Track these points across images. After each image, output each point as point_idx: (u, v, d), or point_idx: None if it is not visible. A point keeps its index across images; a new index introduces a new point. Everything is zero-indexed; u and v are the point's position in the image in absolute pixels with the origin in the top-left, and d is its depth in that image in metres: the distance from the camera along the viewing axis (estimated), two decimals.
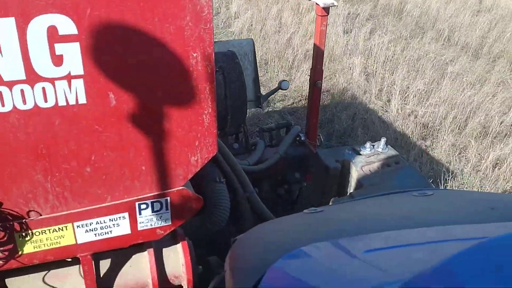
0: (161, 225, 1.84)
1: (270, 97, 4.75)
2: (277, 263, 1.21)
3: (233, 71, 3.37)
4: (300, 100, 5.99)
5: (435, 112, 5.75)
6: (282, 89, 4.14)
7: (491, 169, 4.84)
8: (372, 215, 1.56)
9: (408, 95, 6.10)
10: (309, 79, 3.92)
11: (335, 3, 3.57)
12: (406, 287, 0.83)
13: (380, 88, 6.26)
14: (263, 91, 4.73)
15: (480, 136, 5.37)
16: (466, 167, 4.94)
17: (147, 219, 1.81)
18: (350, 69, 6.69)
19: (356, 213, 1.62)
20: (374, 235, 1.24)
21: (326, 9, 3.56)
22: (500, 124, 5.57)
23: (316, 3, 3.56)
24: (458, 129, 5.52)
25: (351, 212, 1.65)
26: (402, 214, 1.54)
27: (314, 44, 3.74)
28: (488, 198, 1.75)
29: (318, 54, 3.75)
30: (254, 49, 4.10)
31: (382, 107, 5.94)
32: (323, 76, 3.86)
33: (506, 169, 4.79)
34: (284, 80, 4.10)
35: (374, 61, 6.92)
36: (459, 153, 5.20)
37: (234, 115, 3.38)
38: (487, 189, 4.53)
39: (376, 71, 6.72)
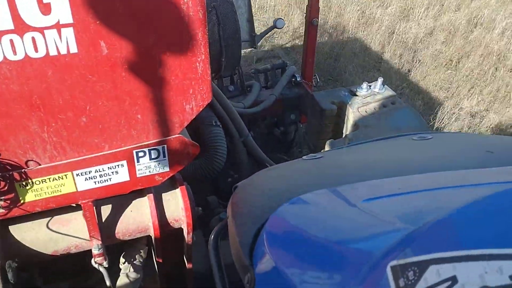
0: (160, 172, 1.87)
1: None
2: (278, 210, 1.24)
3: (226, 11, 3.29)
4: None
5: None
6: (277, 28, 4.06)
7: None
8: (371, 161, 1.59)
9: None
10: (305, 17, 3.84)
11: None
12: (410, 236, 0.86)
13: None
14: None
15: None
16: None
17: (145, 166, 1.84)
18: None
19: (355, 159, 1.65)
20: (373, 182, 1.27)
21: None
22: None
23: None
24: None
25: (350, 158, 1.68)
26: (402, 159, 1.57)
27: None
28: (485, 141, 1.77)
29: None
30: None
31: None
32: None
33: None
34: (279, 18, 4.01)
35: None
36: None
37: (228, 57, 3.34)
38: None
39: None
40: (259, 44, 4.44)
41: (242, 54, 3.69)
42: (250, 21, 4.02)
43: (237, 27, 3.37)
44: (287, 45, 6.18)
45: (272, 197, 1.40)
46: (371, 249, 0.98)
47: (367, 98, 3.11)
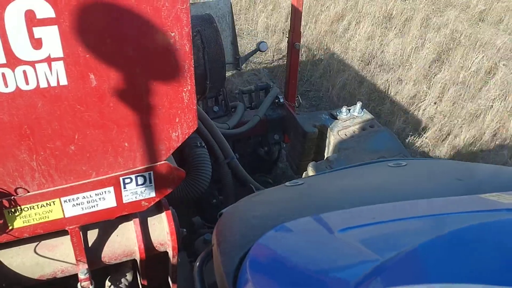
0: (146, 198, 1.92)
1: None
2: (261, 238, 1.30)
3: (211, 35, 3.37)
4: None
5: None
6: (260, 51, 4.15)
7: None
8: (350, 188, 1.67)
9: None
10: (287, 41, 3.94)
11: None
12: (375, 272, 0.93)
13: None
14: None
15: None
16: None
17: (132, 192, 1.88)
18: None
19: (335, 186, 1.73)
20: (351, 211, 1.35)
21: None
22: None
23: None
24: None
25: (331, 185, 1.75)
26: (378, 186, 1.65)
27: (292, 5, 3.74)
28: (457, 168, 1.86)
29: (296, 16, 3.76)
30: (232, 10, 4.08)
31: None
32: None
33: None
34: (262, 42, 4.11)
35: None
36: None
37: (213, 79, 3.41)
38: None
39: None
40: (243, 66, 4.53)
41: (226, 76, 3.77)
42: (234, 43, 4.12)
43: (222, 50, 3.45)
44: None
45: (256, 225, 1.46)
46: (348, 278, 1.05)
47: (347, 121, 3.21)
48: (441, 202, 1.37)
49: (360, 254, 1.09)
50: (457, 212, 1.23)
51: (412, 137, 5.06)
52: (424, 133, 5.11)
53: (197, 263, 1.51)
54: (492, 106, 5.46)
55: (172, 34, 1.64)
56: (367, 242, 1.16)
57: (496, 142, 5.04)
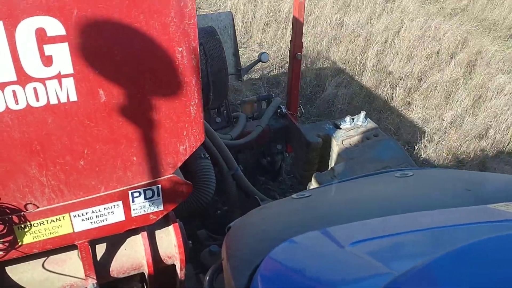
0: (154, 211, 1.93)
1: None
2: (271, 253, 1.31)
3: (213, 47, 3.39)
4: None
5: None
6: (262, 62, 4.18)
7: None
8: (357, 200, 1.68)
9: None
10: (289, 52, 3.97)
11: None
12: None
13: None
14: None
15: None
16: None
17: (140, 206, 1.89)
18: None
19: (342, 198, 1.74)
20: (360, 224, 1.36)
21: None
22: None
23: None
24: None
25: (337, 197, 1.76)
26: (385, 197, 1.66)
27: (293, 17, 3.77)
28: (464, 177, 1.87)
29: (297, 27, 3.79)
30: (233, 22, 4.11)
31: None
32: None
33: None
34: (263, 52, 4.14)
35: None
36: None
37: (216, 92, 3.43)
38: None
39: None
40: (244, 77, 4.55)
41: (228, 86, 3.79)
42: (236, 55, 4.14)
43: (224, 62, 3.47)
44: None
45: (265, 239, 1.46)
46: None
47: (351, 131, 3.22)
48: (451, 213, 1.38)
49: (372, 268, 1.10)
50: (467, 223, 1.24)
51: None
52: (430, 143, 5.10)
53: (207, 277, 1.51)
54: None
55: (180, 49, 1.67)
56: (378, 255, 1.17)
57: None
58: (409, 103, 5.74)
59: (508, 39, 7.49)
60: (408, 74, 6.19)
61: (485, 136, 5.16)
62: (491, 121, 5.33)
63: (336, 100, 5.66)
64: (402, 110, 5.61)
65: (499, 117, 5.37)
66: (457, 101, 5.64)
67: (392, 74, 6.18)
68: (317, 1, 7.80)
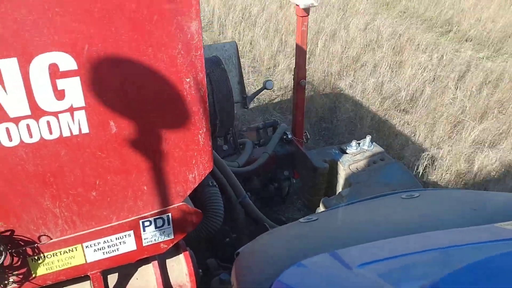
0: (164, 240, 1.95)
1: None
2: (280, 277, 1.33)
3: (219, 77, 3.46)
4: None
5: None
6: (266, 89, 4.24)
7: None
8: (364, 222, 1.69)
9: None
10: (293, 78, 4.03)
11: (315, 3, 3.66)
12: None
13: None
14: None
15: None
16: None
17: (151, 235, 1.91)
18: None
19: (349, 220, 1.76)
20: (367, 246, 1.37)
21: (306, 10, 3.66)
22: None
23: (296, 4, 3.66)
24: None
25: (344, 220, 1.78)
26: (392, 219, 1.68)
27: (296, 44, 3.84)
28: (470, 198, 1.89)
29: (300, 54, 3.86)
30: (238, 51, 4.19)
31: None
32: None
33: None
34: (268, 80, 4.20)
35: None
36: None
37: (223, 120, 3.48)
38: None
39: None
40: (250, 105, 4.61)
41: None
42: (241, 83, 4.20)
43: (230, 91, 3.53)
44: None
45: (274, 263, 1.48)
46: None
47: (357, 155, 3.25)
48: (458, 233, 1.39)
49: None
50: (475, 242, 1.25)
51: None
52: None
53: None
54: None
55: (188, 80, 1.72)
56: (387, 276, 1.18)
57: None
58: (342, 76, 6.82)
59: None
60: (347, 57, 7.22)
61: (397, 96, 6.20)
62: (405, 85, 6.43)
63: None
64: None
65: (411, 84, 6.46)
66: (380, 73, 6.73)
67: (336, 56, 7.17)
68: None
